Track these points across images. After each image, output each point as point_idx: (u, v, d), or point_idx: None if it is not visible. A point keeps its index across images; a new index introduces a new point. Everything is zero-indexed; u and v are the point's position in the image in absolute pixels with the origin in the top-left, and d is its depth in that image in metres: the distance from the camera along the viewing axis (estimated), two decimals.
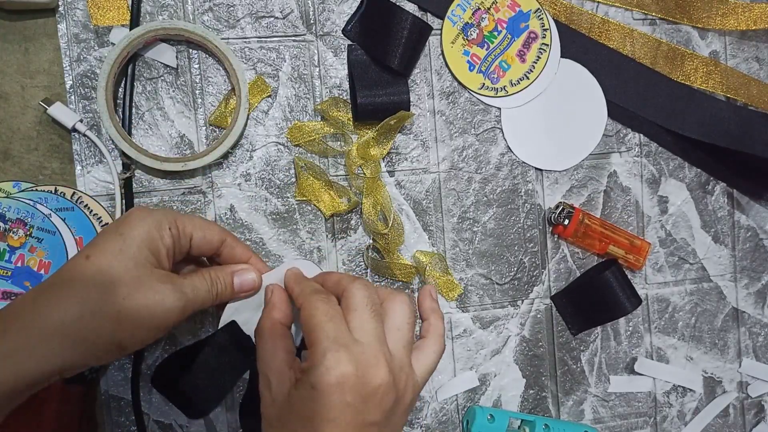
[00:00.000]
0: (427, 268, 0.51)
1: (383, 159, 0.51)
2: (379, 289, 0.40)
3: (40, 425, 0.43)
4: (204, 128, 0.49)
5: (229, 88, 0.49)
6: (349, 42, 0.50)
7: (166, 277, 0.37)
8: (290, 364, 0.37)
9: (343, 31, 0.50)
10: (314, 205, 0.50)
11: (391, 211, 0.50)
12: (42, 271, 0.46)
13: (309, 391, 0.34)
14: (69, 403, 0.45)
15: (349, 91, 0.51)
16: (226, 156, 0.49)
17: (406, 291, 0.52)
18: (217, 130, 0.49)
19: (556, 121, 0.53)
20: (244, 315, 0.43)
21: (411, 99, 0.51)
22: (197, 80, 0.49)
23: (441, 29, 0.51)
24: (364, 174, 0.50)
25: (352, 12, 0.50)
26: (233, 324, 0.42)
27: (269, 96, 0.50)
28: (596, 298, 0.53)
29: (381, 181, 0.51)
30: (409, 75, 0.50)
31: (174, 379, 0.41)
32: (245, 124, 0.48)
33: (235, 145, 0.49)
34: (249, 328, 0.42)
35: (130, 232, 0.36)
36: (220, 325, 0.42)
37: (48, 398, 0.44)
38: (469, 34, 0.51)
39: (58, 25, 0.47)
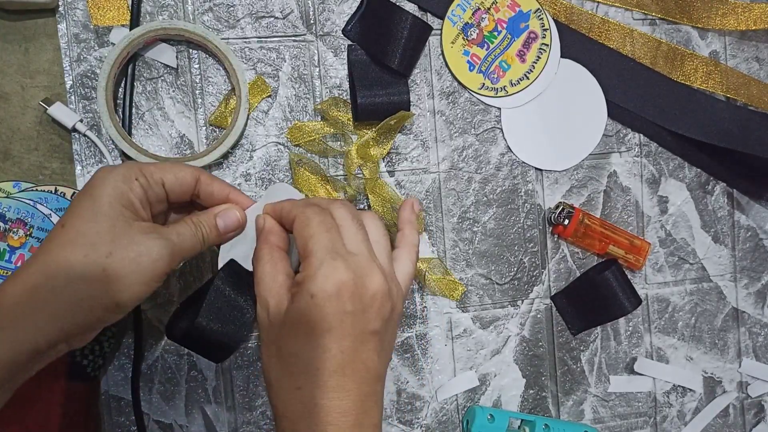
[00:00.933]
0: (426, 274, 0.51)
1: (383, 159, 0.51)
2: None
3: (46, 423, 0.43)
4: (204, 128, 0.49)
5: (229, 88, 0.49)
6: (349, 42, 0.50)
7: (148, 228, 0.37)
8: (288, 288, 0.37)
9: (343, 31, 0.50)
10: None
11: (401, 201, 0.50)
12: None
13: (307, 301, 0.34)
14: (73, 400, 0.45)
15: (349, 91, 0.51)
16: (226, 156, 0.49)
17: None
18: (217, 130, 0.49)
19: (556, 121, 0.53)
20: (241, 251, 0.42)
21: (411, 99, 0.51)
22: (197, 80, 0.49)
23: (441, 29, 0.51)
24: (363, 174, 0.50)
25: (352, 12, 0.50)
26: (232, 262, 0.42)
27: (269, 96, 0.50)
28: (596, 298, 0.53)
29: (381, 180, 0.51)
30: (409, 75, 0.50)
31: (189, 326, 0.40)
32: (245, 124, 0.48)
33: (235, 145, 0.49)
34: (248, 263, 0.42)
35: (98, 191, 0.36)
36: (219, 265, 0.42)
37: (53, 396, 0.44)
38: (469, 34, 0.52)
39: (58, 25, 0.47)
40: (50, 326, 0.34)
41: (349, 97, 0.51)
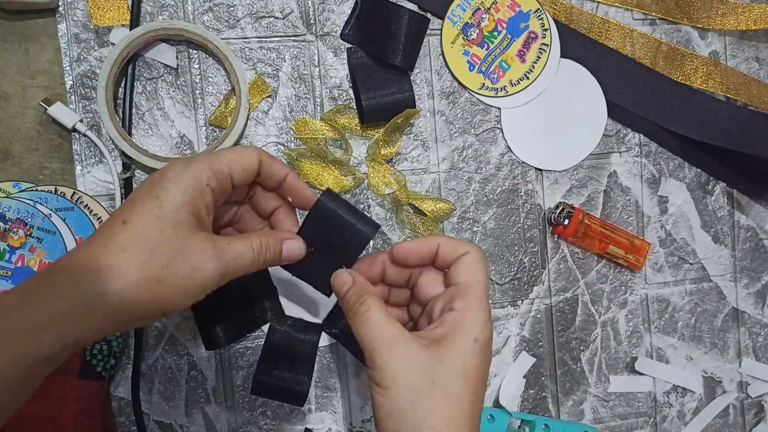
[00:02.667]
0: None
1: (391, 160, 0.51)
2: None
3: (59, 417, 0.44)
4: (204, 128, 0.49)
5: (229, 88, 0.49)
6: (349, 45, 0.50)
7: (207, 241, 0.35)
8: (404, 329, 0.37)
9: (342, 35, 0.50)
10: (319, 189, 0.50)
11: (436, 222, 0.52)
12: None
13: (471, 345, 0.35)
14: (87, 398, 0.45)
15: (353, 95, 0.51)
16: None
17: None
18: (217, 130, 0.49)
19: (556, 121, 0.53)
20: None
21: None
22: (197, 80, 0.49)
23: (441, 29, 0.51)
24: (394, 191, 0.50)
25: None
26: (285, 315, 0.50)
27: (269, 96, 0.50)
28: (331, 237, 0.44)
29: (408, 190, 0.51)
30: (412, 69, 0.50)
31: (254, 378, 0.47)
32: (245, 124, 0.48)
33: (236, 144, 0.49)
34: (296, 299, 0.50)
35: (167, 195, 0.34)
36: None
37: (66, 396, 0.44)
38: (469, 34, 0.52)
39: (59, 26, 0.47)
40: (96, 326, 0.33)
41: (353, 100, 0.51)
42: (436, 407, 0.34)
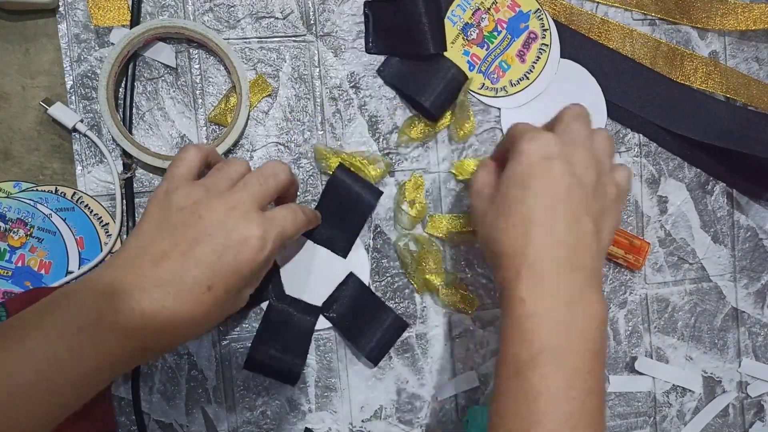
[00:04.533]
0: (441, 289, 0.52)
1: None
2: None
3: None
4: (204, 128, 0.49)
5: (230, 87, 0.49)
6: (379, 68, 0.50)
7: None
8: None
9: (367, 50, 0.50)
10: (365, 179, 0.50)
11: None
12: (42, 271, 0.46)
13: (520, 158, 0.40)
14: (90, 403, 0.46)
15: (406, 104, 0.51)
16: (227, 154, 0.49)
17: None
18: (217, 129, 0.49)
19: None
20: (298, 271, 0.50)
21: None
22: (198, 80, 0.49)
23: None
24: (409, 214, 0.51)
25: (352, 12, 0.50)
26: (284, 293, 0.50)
27: (270, 95, 0.50)
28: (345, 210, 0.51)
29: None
30: (445, 49, 0.50)
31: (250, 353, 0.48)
32: (246, 122, 0.48)
33: (237, 142, 0.49)
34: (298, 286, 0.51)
35: (249, 274, 0.39)
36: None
37: None
38: (469, 34, 0.52)
39: (59, 26, 0.47)
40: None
41: (352, 100, 0.51)
42: (494, 207, 0.41)
